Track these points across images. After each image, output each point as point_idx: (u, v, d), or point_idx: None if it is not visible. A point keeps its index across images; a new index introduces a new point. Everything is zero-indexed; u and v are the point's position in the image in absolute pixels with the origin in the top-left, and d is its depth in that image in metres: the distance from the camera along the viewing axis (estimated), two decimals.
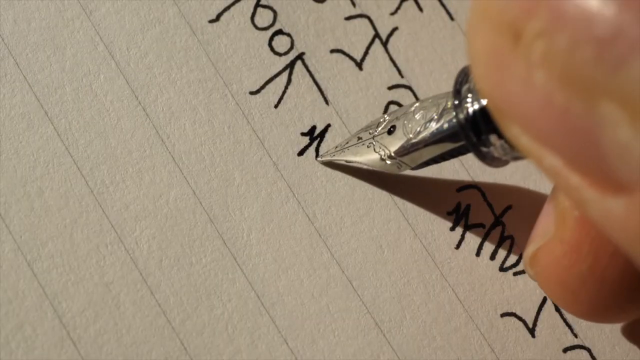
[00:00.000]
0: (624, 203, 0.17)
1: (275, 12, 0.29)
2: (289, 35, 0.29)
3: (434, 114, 0.24)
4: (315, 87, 0.29)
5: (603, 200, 0.17)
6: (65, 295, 0.25)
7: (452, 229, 0.28)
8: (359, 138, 0.27)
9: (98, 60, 0.27)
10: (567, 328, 0.28)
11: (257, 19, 0.29)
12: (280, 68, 0.29)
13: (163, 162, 0.27)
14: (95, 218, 0.26)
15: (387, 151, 0.26)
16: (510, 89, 0.18)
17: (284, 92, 0.28)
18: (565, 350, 0.27)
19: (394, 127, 0.26)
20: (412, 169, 0.26)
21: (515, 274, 0.28)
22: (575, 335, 0.28)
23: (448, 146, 0.24)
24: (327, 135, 0.28)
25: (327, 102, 0.29)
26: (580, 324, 0.28)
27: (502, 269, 0.28)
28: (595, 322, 0.27)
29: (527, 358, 0.27)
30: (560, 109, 0.17)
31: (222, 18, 0.29)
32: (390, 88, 0.29)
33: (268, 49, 0.29)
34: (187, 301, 0.26)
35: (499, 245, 0.28)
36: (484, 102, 0.22)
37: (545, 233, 0.25)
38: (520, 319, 0.27)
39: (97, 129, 0.27)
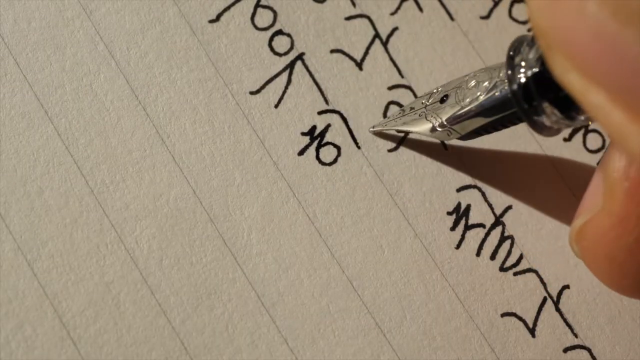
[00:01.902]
0: None
1: (275, 12, 0.29)
2: (289, 35, 0.29)
3: (487, 83, 0.25)
4: (315, 87, 0.29)
5: None
6: (65, 295, 0.25)
7: (452, 229, 0.28)
8: (412, 108, 0.27)
9: (98, 59, 0.27)
10: (567, 328, 0.28)
11: (257, 19, 0.29)
12: (281, 68, 0.29)
13: (163, 162, 0.27)
14: (96, 218, 0.26)
15: (439, 119, 0.26)
16: (563, 19, 0.18)
17: (284, 92, 0.28)
18: (566, 350, 0.27)
19: (446, 96, 0.26)
20: (462, 137, 0.26)
21: (515, 274, 0.28)
22: (576, 335, 0.28)
23: (499, 114, 0.25)
24: (328, 135, 0.28)
25: (327, 102, 0.29)
26: (581, 324, 0.28)
27: (503, 269, 0.28)
28: None
29: (527, 358, 0.27)
30: (610, 39, 0.17)
31: (222, 18, 0.29)
32: (390, 88, 0.29)
33: (268, 49, 0.29)
34: (187, 301, 0.26)
35: (499, 245, 0.28)
36: (536, 69, 0.22)
37: (593, 206, 0.25)
38: (520, 319, 0.27)
39: (97, 128, 0.27)
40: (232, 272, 0.26)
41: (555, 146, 0.29)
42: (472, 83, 0.25)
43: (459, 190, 0.28)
